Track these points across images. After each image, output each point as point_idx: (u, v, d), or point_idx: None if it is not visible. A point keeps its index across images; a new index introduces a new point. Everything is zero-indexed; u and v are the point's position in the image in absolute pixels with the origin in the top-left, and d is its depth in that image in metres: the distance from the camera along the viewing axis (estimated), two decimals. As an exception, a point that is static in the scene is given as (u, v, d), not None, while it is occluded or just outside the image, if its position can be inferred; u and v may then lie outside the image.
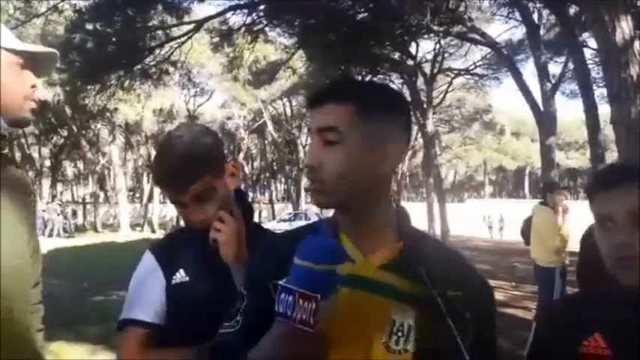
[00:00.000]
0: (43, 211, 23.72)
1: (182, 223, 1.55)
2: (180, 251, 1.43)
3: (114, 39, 12.09)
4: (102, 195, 35.86)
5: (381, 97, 1.00)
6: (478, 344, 0.94)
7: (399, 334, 0.92)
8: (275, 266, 0.93)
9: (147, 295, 1.39)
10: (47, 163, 37.42)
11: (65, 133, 32.04)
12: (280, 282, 0.81)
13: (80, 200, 39.60)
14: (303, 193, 33.56)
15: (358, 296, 0.93)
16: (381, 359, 0.91)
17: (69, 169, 41.26)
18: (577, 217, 5.79)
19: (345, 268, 0.90)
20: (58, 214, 24.48)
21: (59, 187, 41.89)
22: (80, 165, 36.85)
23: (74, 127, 27.88)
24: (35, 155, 35.22)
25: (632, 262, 1.02)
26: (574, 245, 5.30)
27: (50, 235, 22.80)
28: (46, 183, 35.41)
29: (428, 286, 0.93)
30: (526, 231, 5.86)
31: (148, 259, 1.43)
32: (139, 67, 13.35)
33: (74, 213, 29.88)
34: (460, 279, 0.98)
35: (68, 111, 25.57)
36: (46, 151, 36.18)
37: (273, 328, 0.83)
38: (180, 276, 1.39)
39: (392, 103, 1.00)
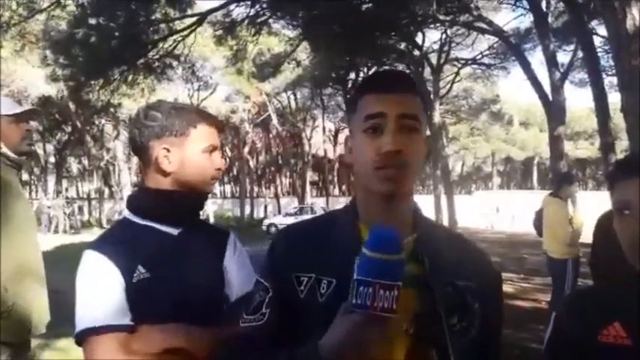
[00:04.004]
0: (49, 207, 23.78)
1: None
2: (132, 245, 1.35)
3: (117, 33, 12.07)
4: (107, 191, 35.96)
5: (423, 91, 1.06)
6: (484, 332, 1.00)
7: (418, 322, 0.95)
8: (297, 258, 1.02)
9: (109, 297, 1.29)
10: (52, 159, 37.56)
11: (69, 129, 32.13)
12: (355, 275, 0.83)
13: (85, 196, 39.76)
14: (308, 187, 33.51)
15: None
16: (403, 345, 0.94)
17: (73, 165, 41.36)
18: (586, 208, 5.72)
19: None
20: (64, 212, 24.54)
21: (64, 183, 42.07)
22: (85, 161, 36.88)
23: (78, 123, 27.93)
24: (40, 152, 35.36)
25: None
26: (586, 237, 5.23)
27: (56, 232, 22.85)
28: (51, 179, 35.51)
29: (435, 276, 0.97)
30: (538, 223, 5.78)
31: (98, 259, 1.32)
32: (142, 61, 13.36)
33: (80, 209, 29.98)
34: (471, 269, 1.03)
35: (72, 107, 25.61)
36: (50, 147, 36.31)
37: (346, 319, 0.84)
38: (140, 273, 1.32)
39: (427, 98, 1.03)
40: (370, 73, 23.73)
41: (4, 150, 2.15)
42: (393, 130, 0.96)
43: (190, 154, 1.41)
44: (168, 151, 1.39)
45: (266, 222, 25.93)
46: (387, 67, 17.50)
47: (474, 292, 1.00)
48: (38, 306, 2.19)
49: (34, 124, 2.32)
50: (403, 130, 0.97)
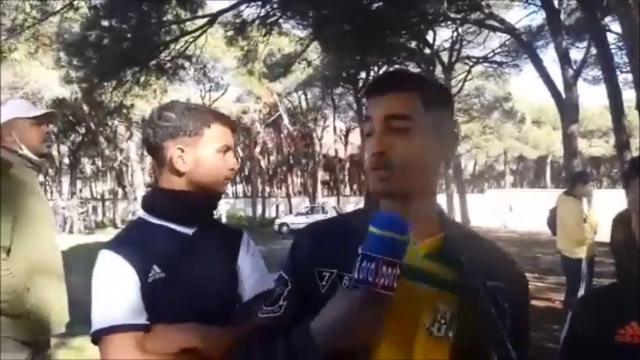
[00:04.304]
0: (63, 208, 24.04)
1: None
2: (147, 245, 1.36)
3: (129, 35, 12.16)
4: (120, 191, 36.28)
5: (437, 89, 1.06)
6: (514, 333, 0.98)
7: (442, 321, 0.95)
8: (320, 254, 1.02)
9: (125, 296, 1.30)
10: (66, 160, 37.97)
11: (83, 130, 32.47)
12: (360, 250, 0.84)
13: (99, 197, 40.12)
14: (319, 187, 33.54)
15: (405, 284, 0.95)
16: (423, 344, 0.94)
17: (87, 166, 41.77)
18: (601, 206, 5.67)
19: None
20: (79, 213, 24.76)
21: (78, 184, 42.48)
22: (98, 162, 37.23)
23: (92, 125, 28.21)
24: (54, 153, 35.75)
25: None
26: (601, 235, 5.19)
27: (71, 232, 23.09)
28: (65, 180, 35.96)
29: (469, 276, 0.96)
30: (552, 222, 5.72)
31: (114, 259, 1.33)
32: (154, 62, 13.44)
33: (94, 209, 30.28)
34: (499, 270, 1.02)
35: (86, 108, 25.87)
36: (64, 148, 36.70)
37: (345, 295, 0.87)
38: (155, 272, 1.33)
39: (444, 97, 1.07)
40: (380, 72, 23.84)
41: (25, 152, 2.22)
42: (378, 132, 0.98)
43: (204, 154, 1.41)
44: (182, 151, 1.40)
45: (277, 221, 26.03)
46: (396, 67, 17.49)
47: (504, 293, 0.99)
48: (58, 305, 2.23)
49: (50, 126, 2.48)
50: (390, 131, 0.98)
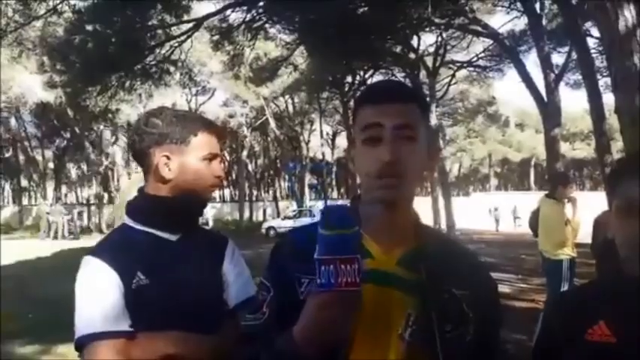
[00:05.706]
0: (47, 213, 23.75)
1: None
2: (131, 251, 1.35)
3: (114, 39, 12.07)
4: (106, 196, 35.91)
5: (425, 100, 1.13)
6: (482, 341, 1.02)
7: (414, 327, 0.97)
8: (299, 260, 1.00)
9: (108, 303, 1.28)
10: (51, 165, 37.52)
11: (68, 135, 32.13)
12: (315, 256, 0.84)
13: (84, 202, 39.68)
14: (307, 191, 33.54)
15: (377, 290, 0.98)
16: (398, 351, 0.96)
17: (72, 171, 41.35)
18: (584, 208, 5.75)
19: (365, 263, 0.95)
20: (63, 218, 24.44)
21: (63, 189, 41.99)
22: (84, 167, 36.86)
23: (77, 129, 27.93)
24: (39, 158, 35.35)
25: None
26: (582, 237, 5.27)
27: (55, 238, 22.81)
28: (50, 185, 35.51)
29: (434, 284, 0.99)
30: (534, 223, 5.80)
31: (98, 265, 1.31)
32: (139, 67, 13.35)
33: (79, 214, 29.92)
34: (468, 278, 1.04)
35: (70, 113, 25.62)
36: (49, 153, 36.27)
37: (312, 300, 0.86)
38: (139, 279, 1.32)
39: (428, 106, 1.09)
40: (368, 83, 23.86)
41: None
42: (389, 140, 0.98)
43: (190, 162, 1.41)
44: (168, 158, 1.39)
45: (265, 225, 25.95)
46: (386, 78, 17.53)
47: (471, 300, 1.01)
48: None
49: None
50: (399, 140, 0.98)
